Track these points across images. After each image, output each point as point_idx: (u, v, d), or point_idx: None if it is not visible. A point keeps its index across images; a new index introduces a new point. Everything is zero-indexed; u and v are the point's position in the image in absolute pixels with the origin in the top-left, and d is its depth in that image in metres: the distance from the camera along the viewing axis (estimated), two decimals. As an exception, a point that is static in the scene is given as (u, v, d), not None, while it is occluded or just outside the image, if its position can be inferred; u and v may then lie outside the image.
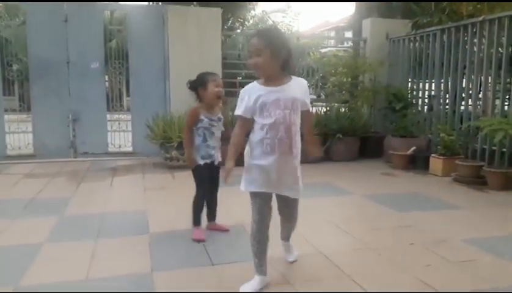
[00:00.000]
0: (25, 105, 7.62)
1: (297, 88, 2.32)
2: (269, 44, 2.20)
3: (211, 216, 3.47)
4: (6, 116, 6.75)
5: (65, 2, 6.56)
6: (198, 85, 3.18)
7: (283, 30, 2.76)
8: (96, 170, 5.95)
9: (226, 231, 3.41)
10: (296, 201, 2.55)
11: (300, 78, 2.41)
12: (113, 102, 7.44)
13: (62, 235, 3.32)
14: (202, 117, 3.15)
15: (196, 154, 3.21)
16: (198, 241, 3.15)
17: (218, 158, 3.28)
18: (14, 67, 7.10)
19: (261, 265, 2.43)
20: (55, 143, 6.64)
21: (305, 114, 2.40)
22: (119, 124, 7.27)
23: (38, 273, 2.62)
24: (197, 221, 3.29)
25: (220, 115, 3.24)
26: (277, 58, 2.22)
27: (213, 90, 3.12)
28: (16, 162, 6.34)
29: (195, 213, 3.30)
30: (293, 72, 2.38)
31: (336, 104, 7.53)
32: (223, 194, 3.49)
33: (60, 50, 6.54)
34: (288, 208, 2.58)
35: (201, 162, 3.20)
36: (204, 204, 3.37)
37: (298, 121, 2.32)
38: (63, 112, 6.64)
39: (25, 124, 6.94)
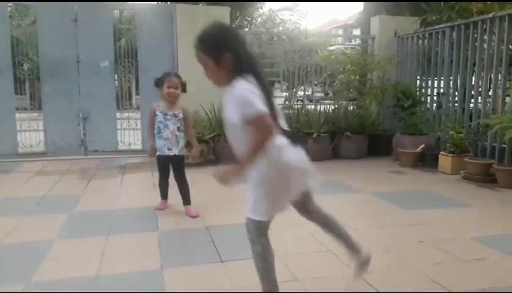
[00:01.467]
0: (36, 104, 7.71)
1: (232, 98, 1.89)
2: (208, 52, 1.91)
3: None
4: (17, 115, 6.84)
5: (75, 2, 6.62)
6: (158, 84, 3.68)
7: (225, 26, 2.24)
8: (106, 168, 6.01)
9: (194, 217, 3.71)
10: None
11: (238, 83, 1.87)
12: (123, 101, 7.48)
13: (73, 232, 3.37)
14: (158, 113, 3.66)
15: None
16: (157, 209, 3.88)
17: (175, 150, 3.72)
18: (25, 66, 7.18)
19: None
20: (65, 141, 6.72)
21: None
22: (128, 122, 7.32)
23: (49, 269, 2.66)
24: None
25: (178, 113, 3.70)
26: (224, 64, 1.89)
27: (165, 91, 3.63)
28: (28, 160, 6.42)
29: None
30: (251, 69, 1.92)
31: (344, 102, 7.51)
32: (230, 191, 3.51)
33: (71, 49, 6.61)
34: None
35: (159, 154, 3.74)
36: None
37: (245, 137, 1.86)
38: (73, 111, 6.71)
39: (37, 123, 7.02)
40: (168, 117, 3.67)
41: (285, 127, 2.06)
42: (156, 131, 3.69)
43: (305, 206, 2.37)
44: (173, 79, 3.63)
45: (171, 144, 3.69)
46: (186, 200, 3.83)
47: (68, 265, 2.74)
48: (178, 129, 3.71)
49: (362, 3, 9.29)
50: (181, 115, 3.72)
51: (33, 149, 6.78)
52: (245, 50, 1.95)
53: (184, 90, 3.73)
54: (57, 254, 2.92)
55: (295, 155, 2.02)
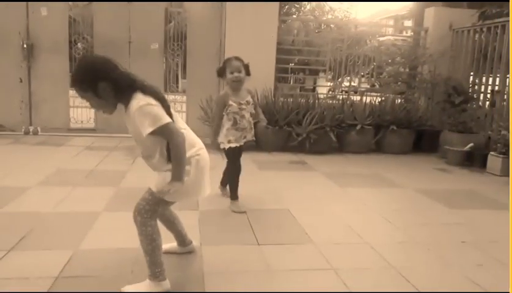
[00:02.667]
0: (88, 82, 8.03)
1: (131, 118, 2.00)
2: (85, 89, 1.98)
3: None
4: (70, 92, 7.16)
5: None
6: (220, 73, 3.45)
7: (90, 60, 2.19)
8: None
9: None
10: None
11: (133, 100, 1.98)
12: (170, 83, 7.66)
13: (119, 206, 3.52)
14: (232, 103, 3.38)
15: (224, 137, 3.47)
16: (239, 212, 3.47)
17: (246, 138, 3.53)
18: (80, 45, 7.48)
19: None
20: (114, 119, 6.93)
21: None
22: (174, 104, 7.50)
23: (95, 239, 2.81)
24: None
25: (249, 98, 3.48)
26: (104, 94, 1.96)
27: (229, 77, 3.38)
28: (78, 135, 6.75)
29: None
30: (133, 87, 2.00)
31: (391, 95, 7.32)
32: (268, 177, 3.55)
33: (123, 30, 6.83)
34: None
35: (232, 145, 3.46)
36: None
37: (153, 147, 2.09)
38: (122, 91, 6.93)
39: (88, 100, 7.31)
40: (244, 106, 3.42)
41: (192, 133, 2.27)
42: (231, 123, 3.41)
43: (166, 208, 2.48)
44: (234, 63, 3.37)
45: (246, 132, 3.50)
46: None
47: (112, 236, 2.88)
48: (251, 114, 3.51)
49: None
50: (252, 100, 3.51)
51: (83, 125, 7.10)
52: (120, 74, 2.00)
53: (248, 72, 3.43)
54: (103, 225, 3.08)
55: (207, 160, 2.27)
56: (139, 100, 1.96)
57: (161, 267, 2.16)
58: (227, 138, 3.46)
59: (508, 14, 6.06)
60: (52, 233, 2.90)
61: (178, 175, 2.01)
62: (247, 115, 3.47)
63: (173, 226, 2.56)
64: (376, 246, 2.88)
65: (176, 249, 2.62)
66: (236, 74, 3.34)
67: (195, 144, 2.20)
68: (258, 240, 2.89)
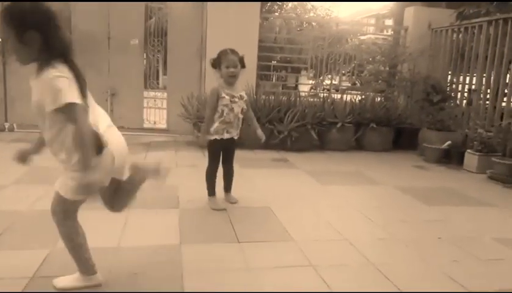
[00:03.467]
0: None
1: (39, 86, 1.78)
2: (12, 26, 1.73)
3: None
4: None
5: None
6: (215, 65, 3.37)
7: (40, 4, 1.63)
8: (131, 144, 6.00)
9: (234, 203, 3.63)
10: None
11: (47, 69, 1.75)
12: (150, 80, 7.57)
13: (96, 204, 3.45)
14: (224, 95, 3.31)
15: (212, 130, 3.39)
16: (217, 210, 3.42)
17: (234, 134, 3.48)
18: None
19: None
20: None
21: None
22: (155, 101, 7.42)
23: (74, 237, 2.75)
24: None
25: (243, 94, 3.43)
26: (29, 42, 1.75)
27: (224, 71, 3.30)
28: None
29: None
30: (62, 56, 1.82)
31: (371, 93, 7.40)
32: (249, 175, 3.54)
33: (102, 25, 6.71)
34: None
35: (217, 137, 3.39)
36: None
37: (55, 129, 1.87)
38: (102, 87, 6.83)
39: (66, 96, 7.18)
40: (236, 99, 3.36)
41: (107, 120, 2.07)
42: (217, 115, 3.35)
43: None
44: (230, 57, 3.28)
45: (231, 127, 3.41)
46: (229, 187, 3.70)
47: (90, 235, 2.81)
48: (242, 110, 3.44)
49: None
50: (246, 96, 3.47)
51: (62, 122, 6.96)
52: (58, 35, 1.80)
53: (243, 65, 3.36)
54: (81, 224, 3.01)
55: (119, 146, 2.08)
56: (57, 70, 1.74)
57: (88, 262, 2.14)
58: (211, 130, 3.39)
59: (484, 15, 6.18)
60: (28, 232, 2.83)
61: (81, 166, 1.79)
62: (237, 110, 3.38)
63: None
64: (356, 243, 2.91)
65: None
66: (232, 69, 3.28)
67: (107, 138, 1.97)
68: (238, 238, 2.88)
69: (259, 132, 3.60)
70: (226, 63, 3.28)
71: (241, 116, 3.45)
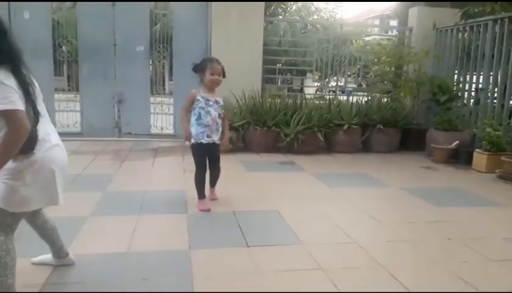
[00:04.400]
0: (73, 85, 7.95)
1: None
2: None
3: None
4: (56, 95, 7.08)
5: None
6: (197, 70, 3.56)
7: None
8: (138, 150, 6.17)
9: (214, 199, 3.78)
10: None
11: None
12: (157, 86, 7.61)
13: (106, 210, 3.49)
14: (199, 98, 3.50)
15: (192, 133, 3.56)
16: (203, 211, 3.51)
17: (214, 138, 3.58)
18: (65, 48, 7.40)
19: None
20: (100, 122, 6.93)
21: None
22: (161, 107, 7.46)
23: (82, 244, 2.77)
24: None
25: (219, 99, 3.58)
26: None
27: (208, 77, 3.49)
28: (64, 139, 6.56)
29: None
30: (8, 61, 1.80)
31: (377, 94, 7.38)
32: (256, 178, 3.55)
33: (108, 33, 6.76)
34: None
35: (197, 142, 3.54)
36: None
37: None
38: (109, 93, 6.89)
39: (73, 104, 7.25)
40: (211, 103, 3.50)
41: (53, 131, 2.08)
42: (195, 117, 3.52)
43: (36, 215, 2.33)
44: (216, 66, 3.49)
45: (211, 131, 3.52)
46: (214, 182, 3.82)
47: (100, 241, 2.85)
48: (219, 115, 3.56)
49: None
50: (222, 102, 3.60)
51: (69, 129, 7.02)
52: (6, 40, 1.82)
53: (223, 75, 3.58)
54: (91, 230, 3.04)
55: (61, 163, 2.05)
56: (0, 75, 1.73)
57: (9, 289, 1.92)
58: (193, 135, 3.55)
59: (489, 14, 6.15)
60: (37, 239, 2.85)
61: None
62: (214, 113, 3.52)
63: (45, 234, 2.38)
64: (364, 245, 2.90)
65: (51, 260, 2.43)
66: (216, 77, 3.49)
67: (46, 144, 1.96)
68: (247, 242, 2.89)
69: (224, 141, 3.74)
70: (211, 70, 3.48)
71: (219, 121, 3.57)
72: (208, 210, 3.52)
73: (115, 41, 6.80)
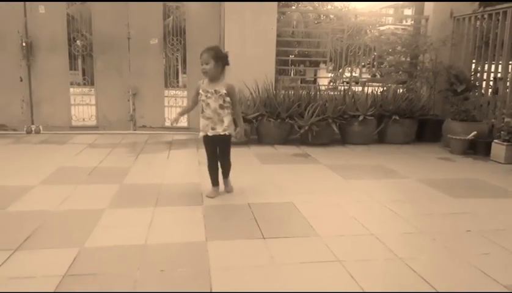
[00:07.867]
0: (88, 79, 8.01)
1: None
2: None
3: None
4: (71, 89, 7.15)
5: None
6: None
7: None
8: (153, 143, 6.21)
9: (229, 192, 3.82)
10: None
11: None
12: (170, 79, 7.62)
13: (123, 203, 3.52)
14: (200, 91, 3.56)
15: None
16: (207, 197, 3.65)
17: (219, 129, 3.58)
18: (79, 43, 7.45)
19: None
20: (116, 116, 6.98)
21: None
22: (175, 100, 7.48)
23: (101, 237, 2.80)
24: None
25: (218, 89, 3.50)
26: None
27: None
28: (80, 133, 6.74)
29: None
30: None
31: (393, 85, 7.28)
32: (271, 171, 3.54)
33: (122, 26, 6.79)
34: None
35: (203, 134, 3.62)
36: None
37: None
38: (123, 87, 6.93)
39: (89, 97, 7.32)
40: (209, 94, 3.49)
41: None
42: (200, 110, 3.59)
43: None
44: (202, 55, 3.47)
45: (214, 123, 3.53)
46: (225, 174, 3.82)
47: (118, 233, 2.88)
48: (221, 106, 3.50)
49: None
50: (223, 91, 3.48)
51: (85, 122, 7.09)
52: None
53: (227, 63, 3.52)
54: (108, 222, 3.07)
55: None
56: None
57: None
58: (200, 127, 3.63)
59: (508, 0, 5.99)
60: (57, 231, 2.90)
61: None
62: (213, 105, 3.50)
63: None
64: (382, 237, 2.87)
65: None
66: (203, 66, 3.47)
67: None
68: (263, 234, 2.89)
69: (238, 130, 3.70)
70: (200, 61, 3.49)
71: (220, 111, 3.53)
72: (211, 197, 3.64)
73: (129, 35, 6.83)
